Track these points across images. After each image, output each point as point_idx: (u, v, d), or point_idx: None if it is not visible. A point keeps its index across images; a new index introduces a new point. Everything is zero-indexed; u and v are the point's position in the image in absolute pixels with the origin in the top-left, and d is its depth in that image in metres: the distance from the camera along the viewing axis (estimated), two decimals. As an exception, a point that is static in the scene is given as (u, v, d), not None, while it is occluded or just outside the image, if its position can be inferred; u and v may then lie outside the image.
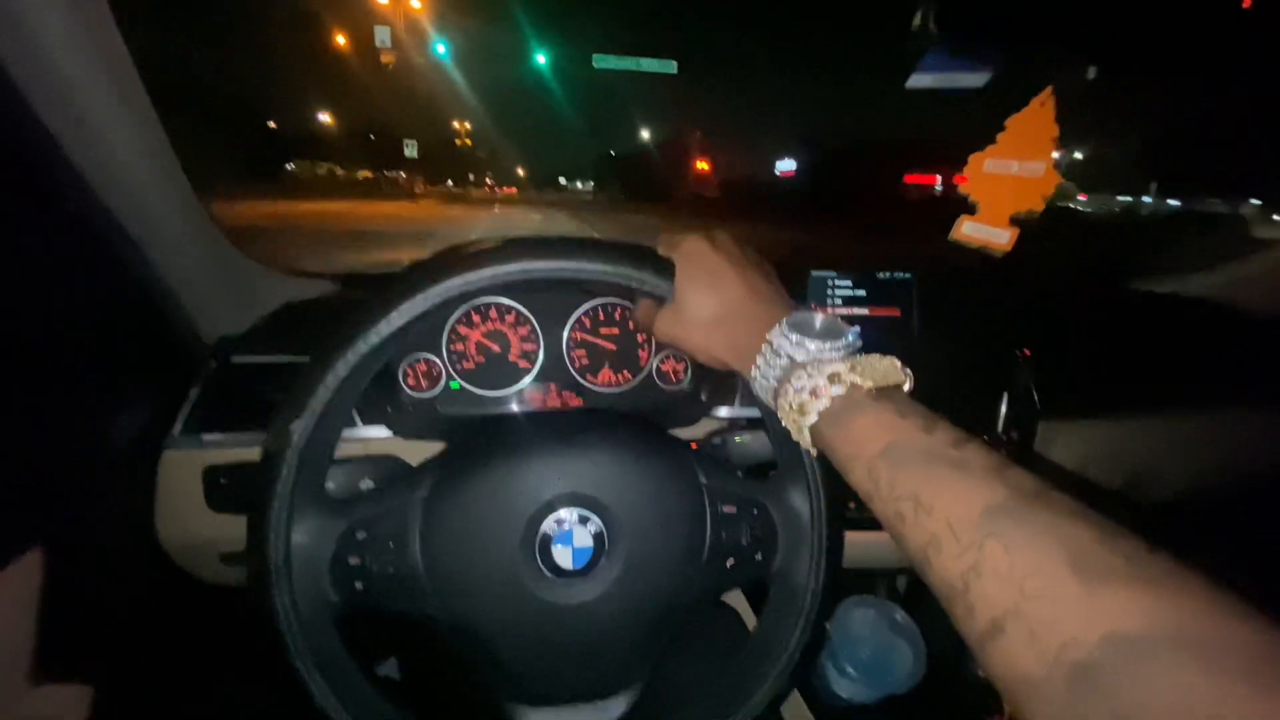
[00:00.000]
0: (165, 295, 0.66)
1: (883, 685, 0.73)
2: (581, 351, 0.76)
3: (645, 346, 0.78)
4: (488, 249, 0.43)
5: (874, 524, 0.64)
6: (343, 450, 0.63)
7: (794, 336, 0.38)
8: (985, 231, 0.54)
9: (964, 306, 0.88)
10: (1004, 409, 0.79)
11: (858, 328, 0.39)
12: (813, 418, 0.35)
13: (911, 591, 0.88)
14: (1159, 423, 0.81)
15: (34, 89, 0.51)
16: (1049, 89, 0.51)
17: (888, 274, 0.85)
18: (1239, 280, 0.93)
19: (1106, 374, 0.84)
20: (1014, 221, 0.53)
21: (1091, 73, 0.51)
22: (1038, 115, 0.52)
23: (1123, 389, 0.84)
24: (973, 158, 0.57)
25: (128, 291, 0.63)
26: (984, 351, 0.83)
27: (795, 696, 0.74)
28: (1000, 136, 0.55)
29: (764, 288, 0.43)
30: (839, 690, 0.75)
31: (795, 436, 0.38)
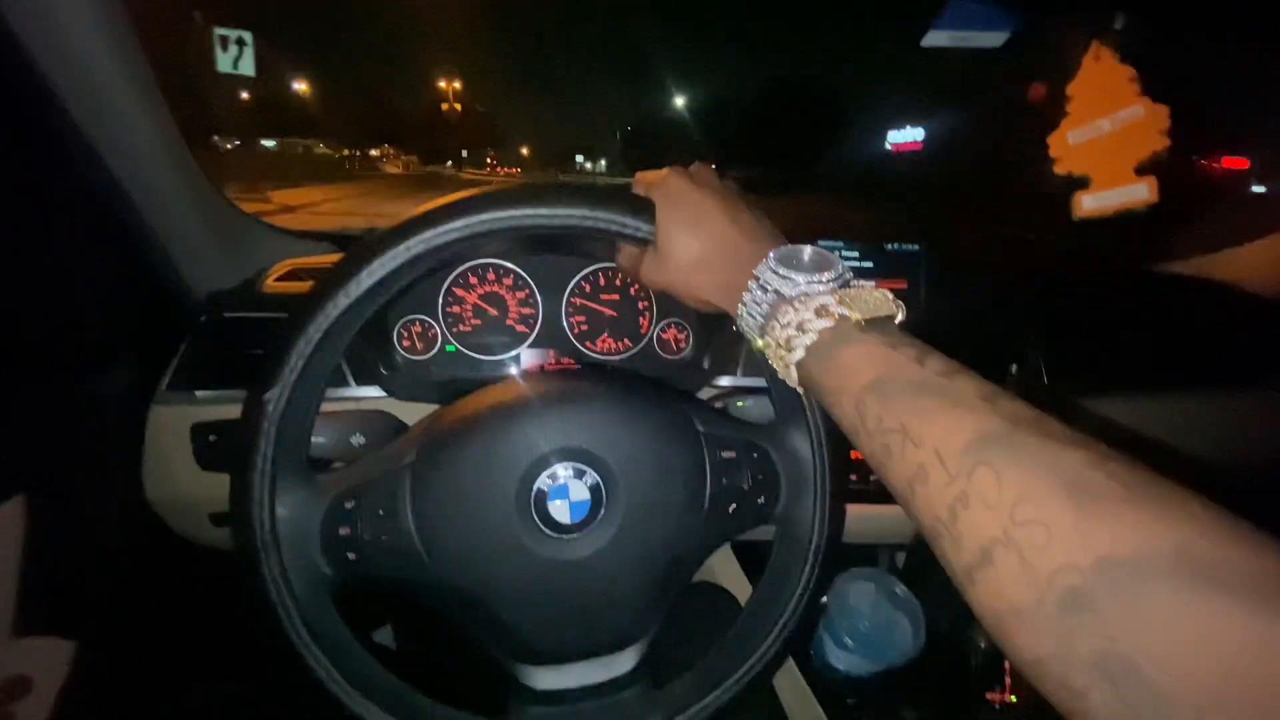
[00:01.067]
0: (155, 247, 0.64)
1: (881, 658, 0.72)
2: (581, 318, 0.75)
3: (646, 314, 0.76)
4: (458, 201, 0.41)
5: (874, 496, 0.64)
6: (333, 407, 0.62)
7: (781, 270, 0.36)
8: (1115, 195, 0.51)
9: (973, 280, 0.87)
10: (1012, 384, 0.78)
11: (845, 263, 0.37)
12: (799, 353, 0.34)
13: (912, 566, 0.87)
14: (1171, 401, 0.80)
15: (29, 32, 0.49)
16: (1094, 43, 0.49)
17: (896, 245, 0.84)
18: (1249, 257, 0.91)
19: (1118, 350, 0.83)
20: (1142, 171, 0.50)
21: (1119, 23, 0.49)
22: (1099, 69, 0.50)
23: (1134, 366, 0.83)
24: (1051, 139, 0.54)
25: (116, 242, 0.62)
26: (992, 325, 0.82)
27: (792, 669, 0.73)
28: (1070, 105, 0.52)
29: (749, 223, 0.41)
30: (836, 662, 0.74)
31: (781, 374, 0.36)
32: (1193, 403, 0.80)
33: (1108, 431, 0.76)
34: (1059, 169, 0.53)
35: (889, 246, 0.84)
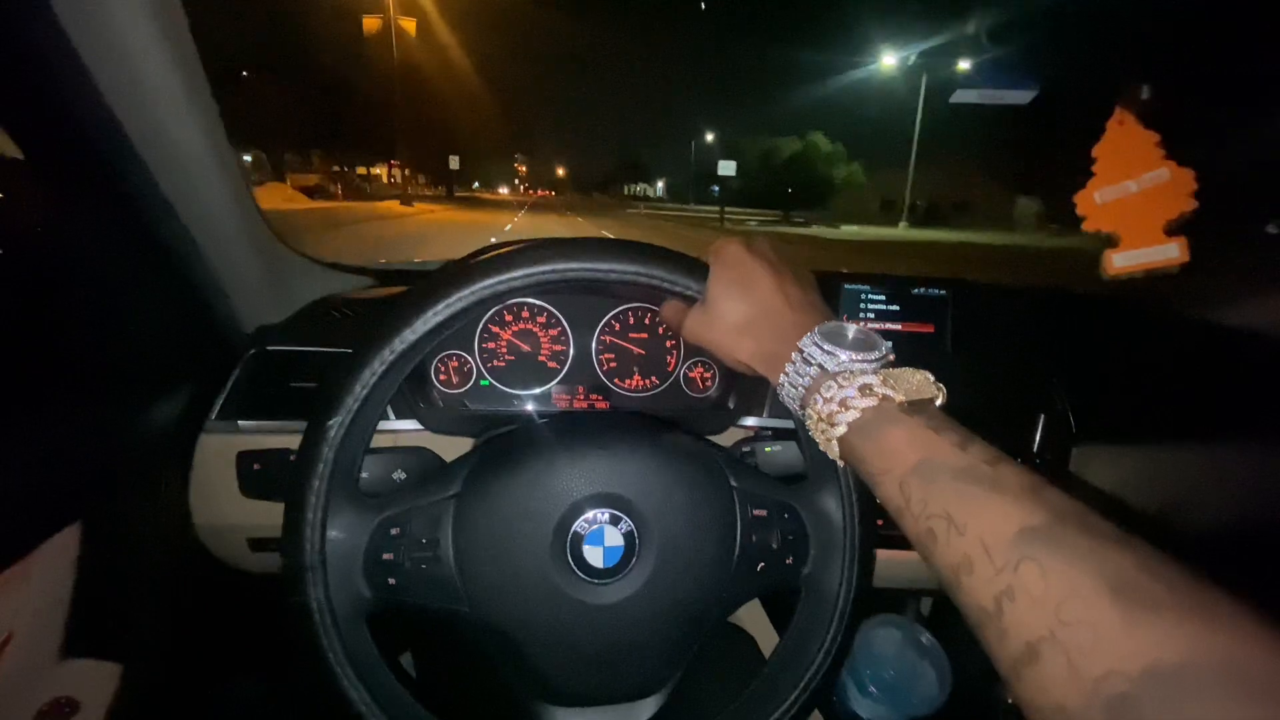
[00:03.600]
0: (212, 284, 0.68)
1: (905, 707, 0.71)
2: (610, 355, 0.76)
3: (673, 353, 0.77)
4: (523, 250, 0.43)
5: (900, 542, 0.64)
6: (375, 441, 0.64)
7: (826, 345, 0.37)
8: (1145, 255, 0.52)
9: (999, 325, 0.87)
10: (1039, 431, 0.77)
11: (890, 342, 0.38)
12: (841, 429, 0.35)
13: (937, 613, 0.86)
14: (1199, 450, 0.79)
15: (103, 80, 0.52)
16: (1117, 108, 0.50)
17: (922, 289, 0.85)
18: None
19: (1145, 398, 0.82)
20: (1171, 231, 0.51)
21: (1146, 93, 0.50)
22: (1125, 132, 0.51)
23: (1162, 414, 0.82)
24: (1078, 198, 0.55)
25: (176, 279, 0.65)
26: (1019, 372, 0.82)
27: (815, 715, 0.72)
28: (1095, 168, 0.53)
29: (798, 295, 0.42)
30: (859, 710, 0.73)
31: (823, 447, 0.37)
32: (1224, 453, 0.79)
33: (1134, 483, 0.76)
34: (1087, 227, 0.54)
35: (915, 290, 0.84)
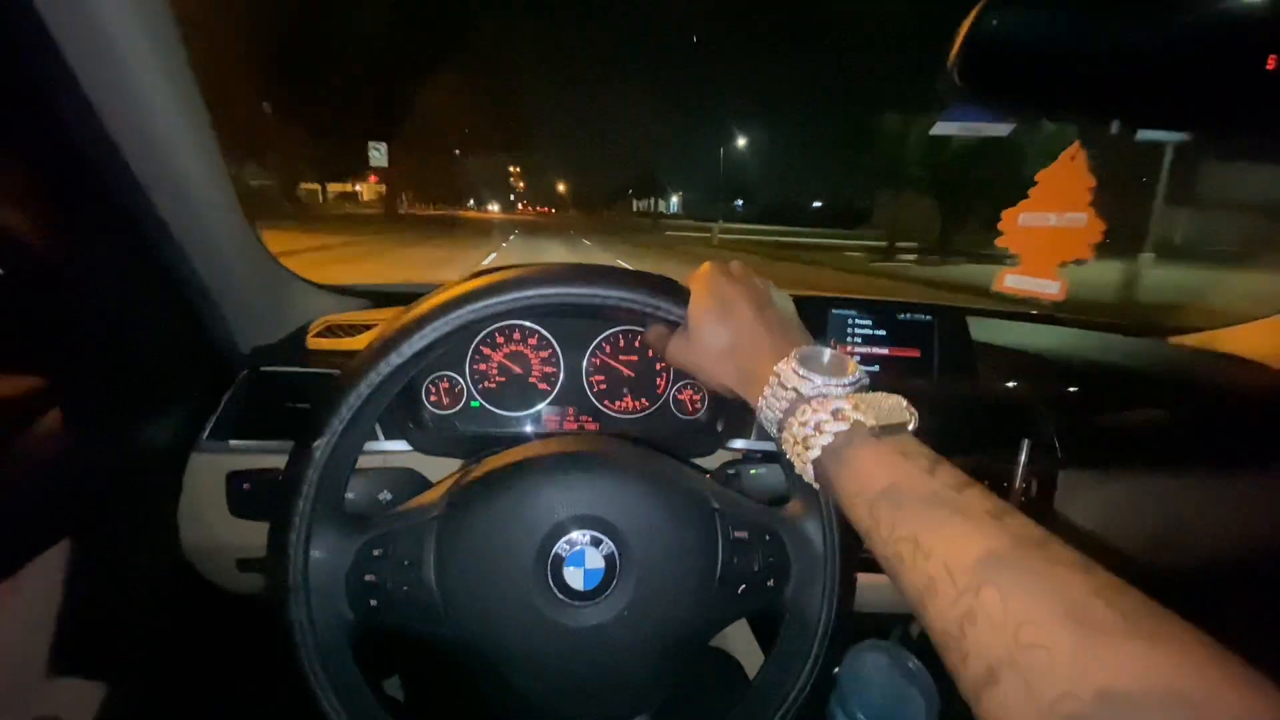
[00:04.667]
0: (209, 304, 0.68)
1: (893, 735, 0.71)
2: (600, 377, 0.77)
3: (663, 375, 0.78)
4: (511, 275, 0.44)
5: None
6: (362, 462, 0.65)
7: (801, 370, 0.38)
8: (1032, 283, 0.55)
9: (985, 351, 0.88)
10: (1023, 458, 0.78)
11: (863, 368, 0.39)
12: (815, 452, 0.36)
13: (925, 638, 0.85)
14: (1185, 476, 0.80)
15: (101, 98, 0.53)
16: (1076, 143, 0.52)
17: (908, 315, 0.86)
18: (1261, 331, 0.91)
19: (1132, 424, 0.83)
20: (1059, 271, 0.54)
21: (1115, 128, 0.52)
22: (1069, 169, 0.54)
23: (1148, 443, 0.82)
24: (1006, 213, 0.59)
25: (172, 298, 0.66)
26: (1004, 397, 0.83)
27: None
28: (1032, 191, 0.56)
29: (775, 319, 0.44)
30: (847, 738, 0.73)
31: (798, 470, 0.38)
32: (1207, 477, 0.80)
33: (1119, 510, 0.76)
34: (1000, 242, 0.57)
35: (901, 315, 0.86)
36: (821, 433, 0.35)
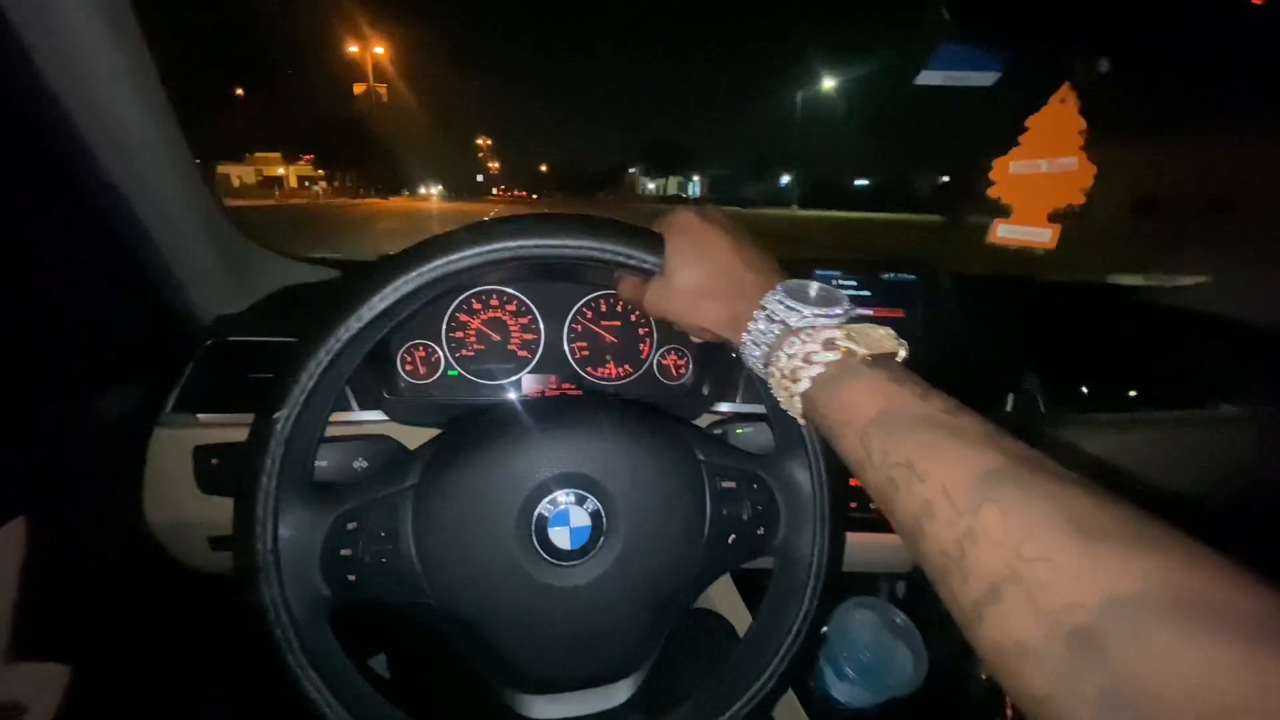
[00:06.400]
0: (165, 272, 0.65)
1: (882, 689, 0.72)
2: (582, 343, 0.76)
3: (646, 340, 0.77)
4: (468, 230, 0.42)
5: (874, 524, 0.64)
6: (336, 432, 0.62)
7: (789, 302, 0.37)
8: (1024, 232, 0.54)
9: (969, 310, 0.88)
10: (1008, 408, 0.78)
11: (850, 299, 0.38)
12: (805, 384, 0.35)
13: (912, 595, 0.86)
14: (1168, 429, 0.81)
15: (44, 60, 0.50)
16: (1066, 85, 0.51)
17: (892, 275, 0.85)
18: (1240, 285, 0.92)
19: (1114, 379, 0.84)
20: (1054, 219, 0.53)
21: (1104, 66, 0.51)
22: (1060, 111, 0.53)
23: (1130, 394, 0.83)
24: (997, 161, 0.57)
25: (127, 267, 0.62)
26: (989, 355, 0.83)
27: (791, 700, 0.72)
28: (1023, 137, 0.55)
29: (754, 256, 0.43)
30: (837, 694, 0.73)
31: (784, 404, 0.37)
32: (1189, 430, 0.81)
33: (1103, 461, 0.77)
34: (992, 192, 0.56)
35: (885, 276, 0.85)
36: (811, 364, 0.34)
